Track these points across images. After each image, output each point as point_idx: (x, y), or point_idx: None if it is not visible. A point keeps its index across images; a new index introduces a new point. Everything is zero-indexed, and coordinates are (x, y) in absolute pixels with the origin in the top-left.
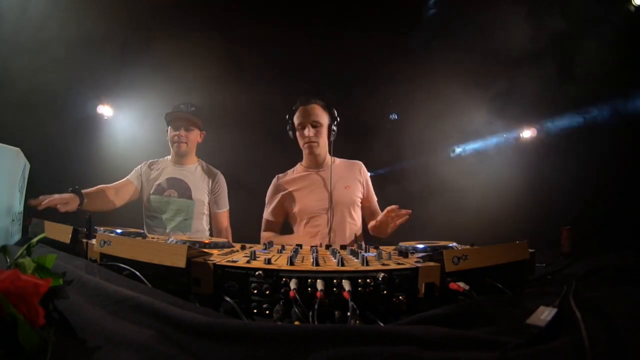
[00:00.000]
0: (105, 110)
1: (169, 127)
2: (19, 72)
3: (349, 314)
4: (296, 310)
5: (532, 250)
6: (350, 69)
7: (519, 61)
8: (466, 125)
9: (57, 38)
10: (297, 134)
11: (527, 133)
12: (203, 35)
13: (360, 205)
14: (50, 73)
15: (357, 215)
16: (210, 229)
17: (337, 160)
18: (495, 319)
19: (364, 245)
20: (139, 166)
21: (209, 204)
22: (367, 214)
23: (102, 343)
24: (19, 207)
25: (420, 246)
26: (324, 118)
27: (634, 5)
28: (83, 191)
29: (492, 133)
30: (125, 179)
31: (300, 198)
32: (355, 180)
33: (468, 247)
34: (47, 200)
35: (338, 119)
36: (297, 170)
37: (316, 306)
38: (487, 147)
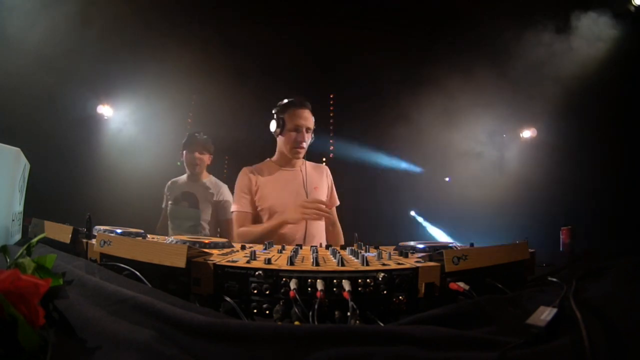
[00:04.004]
0: (105, 110)
1: (184, 151)
2: (19, 72)
3: (349, 314)
4: (296, 310)
5: (532, 250)
6: None
7: (519, 61)
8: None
9: (57, 38)
10: (288, 134)
11: (527, 133)
12: (202, 37)
13: None
14: (50, 73)
15: None
16: (220, 234)
17: (307, 162)
18: (495, 319)
19: (363, 245)
20: (166, 186)
21: (214, 212)
22: (326, 220)
23: (102, 343)
24: (19, 207)
25: (420, 246)
26: (312, 123)
27: (633, 5)
28: None
29: (492, 133)
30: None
31: (273, 194)
32: (323, 183)
33: (468, 247)
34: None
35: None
36: (269, 165)
37: (316, 306)
38: (487, 147)
